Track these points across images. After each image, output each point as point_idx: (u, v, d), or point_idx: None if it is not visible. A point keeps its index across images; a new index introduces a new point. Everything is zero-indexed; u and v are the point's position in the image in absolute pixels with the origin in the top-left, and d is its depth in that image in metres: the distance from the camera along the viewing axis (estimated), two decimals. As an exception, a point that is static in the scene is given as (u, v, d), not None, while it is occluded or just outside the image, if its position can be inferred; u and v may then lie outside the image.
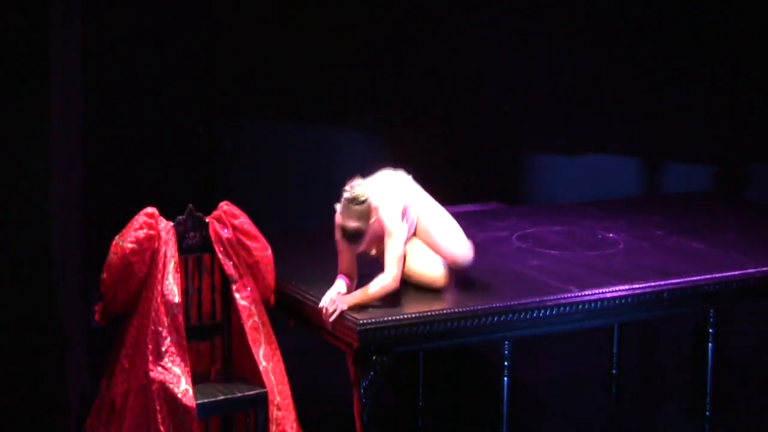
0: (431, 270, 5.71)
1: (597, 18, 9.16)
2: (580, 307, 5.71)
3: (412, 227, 5.72)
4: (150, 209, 5.46)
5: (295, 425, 5.61)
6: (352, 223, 5.38)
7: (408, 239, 5.68)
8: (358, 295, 5.46)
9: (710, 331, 6.40)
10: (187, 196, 7.90)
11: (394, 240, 5.51)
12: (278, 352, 5.60)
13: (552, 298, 5.66)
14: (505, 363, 5.77)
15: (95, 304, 5.58)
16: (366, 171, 5.65)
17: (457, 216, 7.06)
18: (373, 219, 5.42)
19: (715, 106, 9.52)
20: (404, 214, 5.63)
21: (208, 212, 5.59)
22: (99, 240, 7.33)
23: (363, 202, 5.39)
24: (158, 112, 8.15)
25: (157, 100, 8.14)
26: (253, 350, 5.49)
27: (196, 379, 5.43)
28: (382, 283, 5.48)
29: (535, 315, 5.61)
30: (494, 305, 5.53)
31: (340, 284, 5.52)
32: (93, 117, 7.31)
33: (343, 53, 8.51)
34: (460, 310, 5.48)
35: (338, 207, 5.44)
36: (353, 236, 5.40)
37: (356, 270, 5.59)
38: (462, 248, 5.79)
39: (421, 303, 5.54)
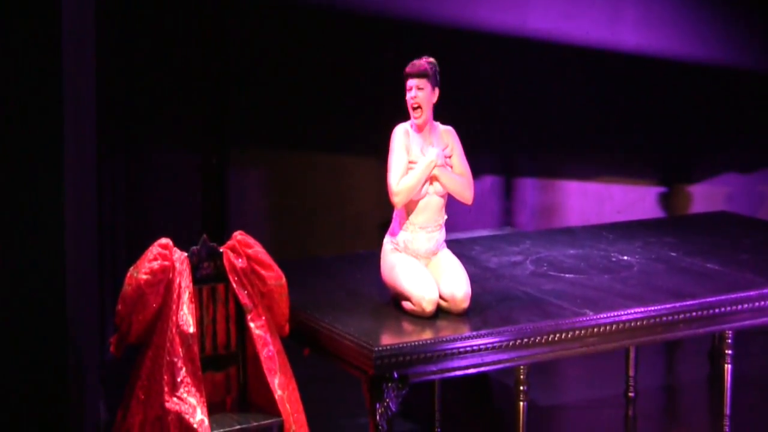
0: (456, 289, 5.69)
1: (610, 42, 9.18)
2: (595, 330, 5.71)
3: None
4: (164, 240, 5.46)
5: (311, 453, 5.60)
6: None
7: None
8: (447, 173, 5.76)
9: (728, 352, 6.37)
10: (201, 226, 7.95)
11: (463, 157, 5.83)
12: (293, 381, 5.59)
13: (567, 321, 5.65)
14: (521, 387, 5.75)
15: (110, 335, 5.59)
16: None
17: (472, 241, 7.09)
18: (436, 90, 5.73)
19: (726, 128, 9.52)
20: None
21: (222, 242, 5.60)
22: (114, 271, 7.37)
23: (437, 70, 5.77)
24: (172, 142, 8.18)
25: (170, 130, 8.18)
26: (269, 379, 5.48)
27: (212, 409, 5.43)
28: (463, 181, 5.77)
29: (550, 339, 5.60)
30: (509, 329, 5.52)
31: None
32: (106, 148, 7.34)
33: (356, 82, 8.54)
34: (476, 335, 5.47)
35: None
36: (426, 72, 5.68)
37: None
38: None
39: (435, 329, 5.54)
